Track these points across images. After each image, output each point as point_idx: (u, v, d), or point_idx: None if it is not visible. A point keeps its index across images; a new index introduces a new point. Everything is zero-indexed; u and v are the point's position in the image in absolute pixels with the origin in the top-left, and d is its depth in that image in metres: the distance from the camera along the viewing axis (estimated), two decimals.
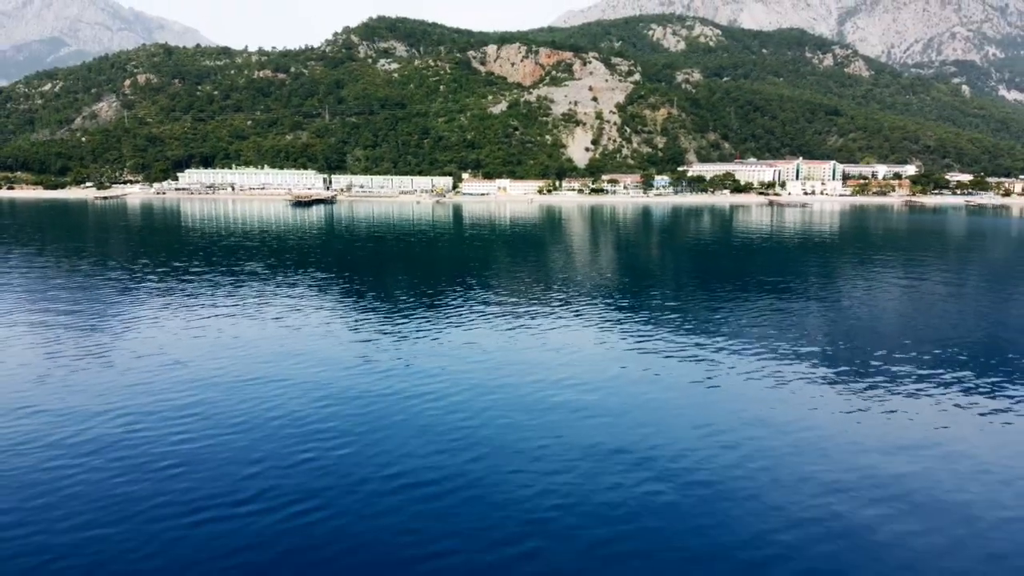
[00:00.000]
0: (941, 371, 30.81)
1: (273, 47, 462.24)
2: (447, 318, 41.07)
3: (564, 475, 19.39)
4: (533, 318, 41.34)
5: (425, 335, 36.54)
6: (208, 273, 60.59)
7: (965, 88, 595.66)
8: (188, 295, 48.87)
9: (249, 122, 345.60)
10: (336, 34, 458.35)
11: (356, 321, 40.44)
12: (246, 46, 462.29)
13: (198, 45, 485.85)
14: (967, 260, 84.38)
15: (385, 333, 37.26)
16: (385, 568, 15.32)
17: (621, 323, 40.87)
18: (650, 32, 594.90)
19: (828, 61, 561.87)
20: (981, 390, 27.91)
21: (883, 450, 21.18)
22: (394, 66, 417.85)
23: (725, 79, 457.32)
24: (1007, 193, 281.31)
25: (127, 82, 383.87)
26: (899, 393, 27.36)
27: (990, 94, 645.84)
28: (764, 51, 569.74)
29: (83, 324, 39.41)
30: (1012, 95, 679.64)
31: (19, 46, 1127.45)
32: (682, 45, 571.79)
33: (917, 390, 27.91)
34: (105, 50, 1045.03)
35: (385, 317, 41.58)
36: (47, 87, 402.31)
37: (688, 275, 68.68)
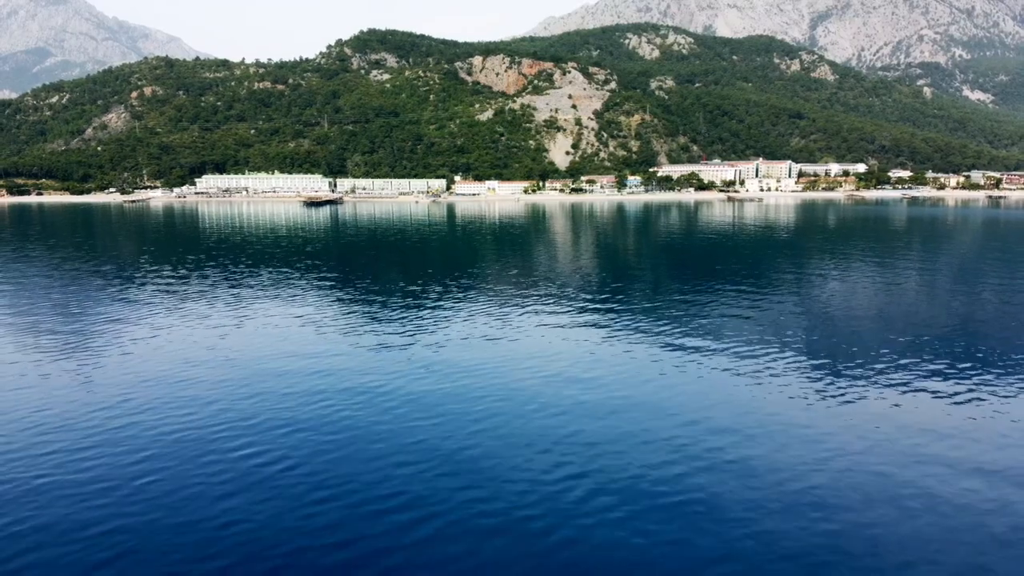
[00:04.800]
0: (898, 352, 31.78)
1: (269, 59, 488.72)
2: (439, 303, 44.41)
3: (544, 474, 19.15)
4: (518, 307, 43.36)
5: (417, 321, 38.92)
6: (239, 266, 65.51)
7: (927, 90, 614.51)
8: (212, 287, 52.65)
9: (252, 131, 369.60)
10: (330, 47, 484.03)
11: (362, 309, 43.01)
12: (243, 58, 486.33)
13: (197, 58, 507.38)
14: (904, 242, 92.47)
15: (383, 320, 39.45)
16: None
17: (596, 311, 41.54)
18: (626, 41, 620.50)
19: (795, 66, 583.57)
20: (948, 376, 28.06)
21: (872, 448, 21.06)
22: (386, 77, 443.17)
23: (697, 85, 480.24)
24: (942, 187, 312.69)
25: (134, 94, 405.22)
26: (864, 379, 27.59)
27: (954, 95, 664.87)
28: (734, 58, 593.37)
29: (113, 311, 43.01)
30: (975, 95, 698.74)
31: (4, 57, 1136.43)
32: (656, 53, 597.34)
33: (882, 373, 28.36)
34: (90, 59, 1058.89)
35: (387, 302, 45.26)
36: (54, 99, 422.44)
37: (658, 259, 76.00)
